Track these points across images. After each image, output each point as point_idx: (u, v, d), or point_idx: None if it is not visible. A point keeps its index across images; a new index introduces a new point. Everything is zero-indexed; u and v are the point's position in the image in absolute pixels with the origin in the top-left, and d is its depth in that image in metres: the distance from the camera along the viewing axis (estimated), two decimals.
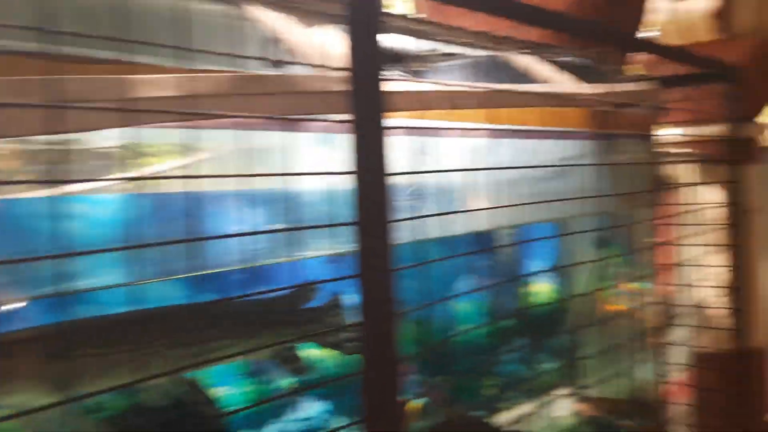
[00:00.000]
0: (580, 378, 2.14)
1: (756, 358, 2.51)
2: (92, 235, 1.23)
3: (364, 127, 0.89)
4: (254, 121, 1.38)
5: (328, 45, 1.13)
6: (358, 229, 0.93)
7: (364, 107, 0.88)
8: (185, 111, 0.91)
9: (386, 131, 0.89)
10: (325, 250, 1.27)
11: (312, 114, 1.04)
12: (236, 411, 1.25)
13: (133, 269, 1.18)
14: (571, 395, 2.11)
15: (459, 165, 1.38)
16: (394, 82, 1.13)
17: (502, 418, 1.92)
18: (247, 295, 1.17)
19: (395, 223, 0.95)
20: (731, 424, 2.27)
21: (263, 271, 1.33)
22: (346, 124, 0.90)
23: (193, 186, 1.51)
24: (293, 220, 1.34)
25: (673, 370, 2.35)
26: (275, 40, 1.13)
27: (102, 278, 1.15)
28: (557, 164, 1.60)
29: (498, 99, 1.32)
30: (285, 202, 1.45)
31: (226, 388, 1.43)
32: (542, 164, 1.55)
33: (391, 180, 0.93)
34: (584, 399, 2.16)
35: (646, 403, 2.25)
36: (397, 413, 0.97)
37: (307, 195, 1.39)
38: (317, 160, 1.34)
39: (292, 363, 1.19)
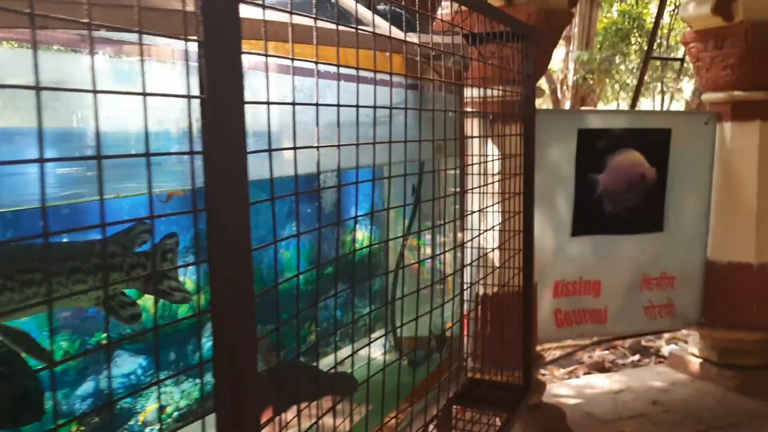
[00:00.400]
0: (392, 320, 2.26)
1: (531, 295, 2.84)
2: None
3: (220, 50, 0.82)
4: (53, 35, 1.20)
5: None
6: (210, 160, 0.86)
7: (220, 29, 0.81)
8: None
9: (243, 56, 0.84)
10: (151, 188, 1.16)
11: (148, 33, 0.93)
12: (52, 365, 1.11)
13: None
14: (384, 336, 2.22)
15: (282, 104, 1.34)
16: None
17: (325, 362, 1.96)
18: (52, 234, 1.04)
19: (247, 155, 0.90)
20: (512, 354, 2.58)
21: (83, 210, 1.18)
22: (195, 48, 0.83)
23: None
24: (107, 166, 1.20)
25: (466, 309, 2.58)
26: None
27: None
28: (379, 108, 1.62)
29: (329, 37, 1.30)
30: (89, 142, 1.29)
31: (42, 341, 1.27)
32: (365, 108, 1.56)
33: (246, 109, 0.87)
34: (395, 339, 2.29)
35: (444, 339, 2.45)
36: (251, 357, 0.94)
37: (108, 136, 1.25)
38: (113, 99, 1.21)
39: (126, 309, 1.08)
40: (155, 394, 1.50)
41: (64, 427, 1.33)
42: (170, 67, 1.39)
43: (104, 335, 1.38)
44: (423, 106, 1.95)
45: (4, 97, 1.19)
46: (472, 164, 2.35)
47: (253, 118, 1.14)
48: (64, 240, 1.14)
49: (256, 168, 1.06)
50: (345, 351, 1.95)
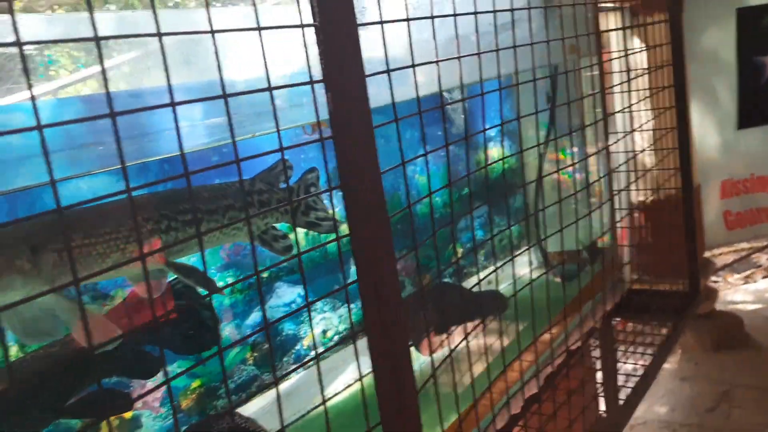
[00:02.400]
0: (538, 235, 2.21)
1: (693, 196, 2.63)
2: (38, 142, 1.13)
3: None
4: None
5: None
6: (329, 87, 0.87)
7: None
8: None
9: None
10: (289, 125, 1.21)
11: None
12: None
13: (82, 166, 1.10)
14: (532, 252, 2.18)
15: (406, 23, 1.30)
16: None
17: (471, 281, 1.97)
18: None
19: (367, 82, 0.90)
20: (676, 261, 2.42)
21: (231, 155, 1.26)
22: None
23: (130, 84, 1.40)
24: (244, 108, 1.26)
25: (622, 217, 2.45)
26: None
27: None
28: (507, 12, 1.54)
29: None
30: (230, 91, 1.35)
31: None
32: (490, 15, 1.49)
33: (360, 33, 0.87)
34: (544, 254, 2.25)
35: (596, 250, 2.36)
36: (392, 277, 0.96)
37: (248, 84, 1.31)
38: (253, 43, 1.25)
39: (279, 241, 1.16)
40: (315, 320, 1.60)
41: (240, 354, 1.47)
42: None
43: (263, 269, 1.48)
44: (550, 4, 1.82)
45: (155, 58, 1.29)
46: (612, 60, 2.18)
47: (374, 45, 1.13)
48: (217, 182, 1.23)
49: (382, 94, 1.06)
50: (489, 270, 1.94)
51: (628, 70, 2.10)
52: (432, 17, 1.04)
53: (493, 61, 1.39)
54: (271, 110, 1.22)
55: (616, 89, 2.17)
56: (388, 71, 0.96)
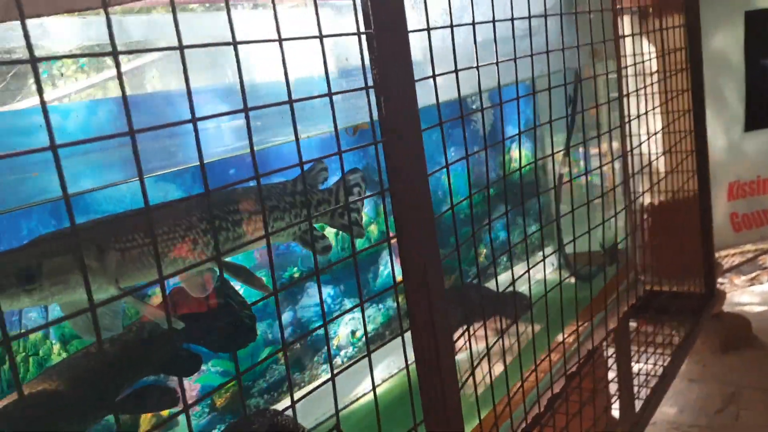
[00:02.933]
0: (558, 237, 2.23)
1: (709, 197, 2.66)
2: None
3: None
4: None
5: None
6: (381, 92, 0.90)
7: None
8: None
9: None
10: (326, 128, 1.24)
11: None
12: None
13: (121, 172, 1.13)
14: (552, 254, 2.20)
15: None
16: None
17: (493, 282, 1.99)
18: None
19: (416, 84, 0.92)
20: (690, 262, 2.45)
21: (265, 156, 1.29)
22: None
23: (156, 86, 1.42)
24: (273, 110, 1.29)
25: (642, 220, 2.48)
26: None
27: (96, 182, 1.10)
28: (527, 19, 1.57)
29: None
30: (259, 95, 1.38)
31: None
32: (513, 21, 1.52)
33: (408, 38, 0.89)
34: (564, 256, 2.27)
35: (614, 253, 2.38)
36: (438, 276, 0.99)
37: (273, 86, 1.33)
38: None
39: (318, 242, 1.18)
40: (344, 320, 1.63)
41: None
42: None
43: (295, 269, 1.50)
44: (570, 9, 1.85)
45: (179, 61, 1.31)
46: (634, 64, 2.20)
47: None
48: (251, 184, 1.26)
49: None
50: (513, 271, 1.97)
51: (644, 74, 2.13)
52: (473, 24, 1.07)
53: (520, 65, 1.41)
54: (306, 114, 1.25)
55: (635, 93, 2.20)
56: (434, 76, 0.98)
